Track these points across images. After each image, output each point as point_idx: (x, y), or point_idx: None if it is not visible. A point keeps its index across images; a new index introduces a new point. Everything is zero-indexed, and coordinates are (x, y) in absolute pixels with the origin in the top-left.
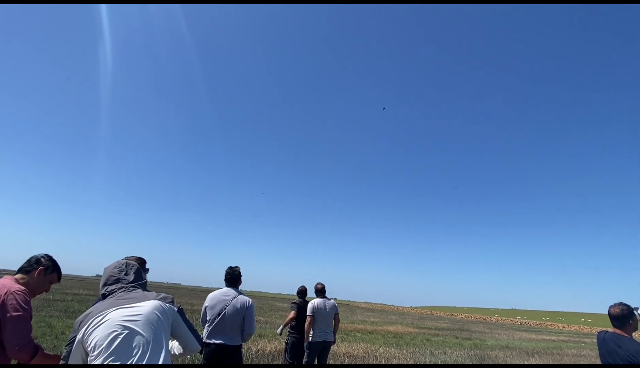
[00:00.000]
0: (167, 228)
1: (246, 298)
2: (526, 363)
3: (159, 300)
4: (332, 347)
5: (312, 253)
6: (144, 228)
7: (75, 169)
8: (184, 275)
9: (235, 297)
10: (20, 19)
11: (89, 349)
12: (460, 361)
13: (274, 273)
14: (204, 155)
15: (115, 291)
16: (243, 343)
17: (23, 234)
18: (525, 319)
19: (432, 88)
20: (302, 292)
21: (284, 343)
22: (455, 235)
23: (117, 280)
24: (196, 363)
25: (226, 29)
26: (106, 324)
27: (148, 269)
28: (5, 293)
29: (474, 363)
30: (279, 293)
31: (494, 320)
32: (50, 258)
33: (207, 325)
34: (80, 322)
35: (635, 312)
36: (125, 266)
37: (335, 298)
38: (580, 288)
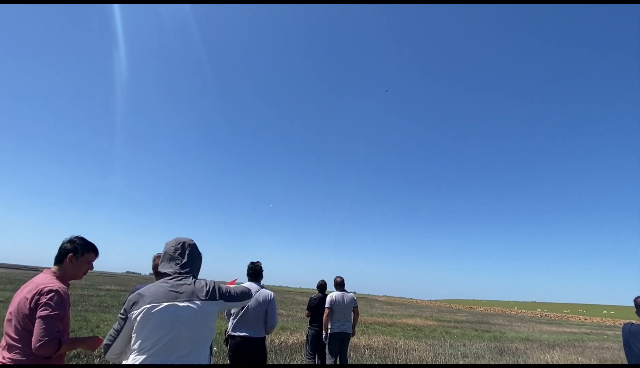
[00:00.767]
0: (190, 227)
1: (268, 292)
2: (547, 355)
3: (207, 299)
4: (352, 339)
5: (329, 246)
6: (170, 226)
7: (97, 174)
8: (209, 270)
9: (258, 291)
10: (31, 20)
11: (134, 335)
12: (480, 353)
13: (295, 268)
14: (232, 158)
15: (170, 277)
16: (267, 336)
17: (63, 233)
18: (545, 311)
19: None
20: (322, 286)
21: (305, 336)
22: (474, 228)
23: (171, 259)
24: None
25: (236, 28)
26: (156, 319)
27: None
28: (39, 292)
29: (494, 355)
30: (300, 288)
31: (513, 312)
32: (76, 241)
33: (231, 318)
34: (133, 304)
35: None
36: (181, 246)
37: (355, 292)
38: (602, 280)
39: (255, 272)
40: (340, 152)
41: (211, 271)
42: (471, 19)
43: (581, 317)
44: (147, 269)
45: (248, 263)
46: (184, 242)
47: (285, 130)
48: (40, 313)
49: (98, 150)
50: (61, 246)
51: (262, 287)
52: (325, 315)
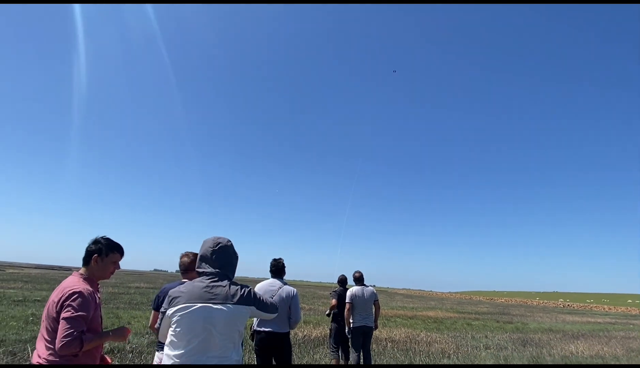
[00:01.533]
0: (213, 227)
1: (291, 288)
2: (571, 346)
3: (240, 303)
4: (374, 332)
5: (340, 239)
6: (195, 225)
7: (122, 178)
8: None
9: (280, 287)
10: None
11: (169, 331)
12: (503, 344)
13: (316, 263)
14: (264, 159)
15: (207, 277)
16: (290, 330)
17: (94, 233)
18: (568, 302)
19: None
20: (343, 280)
21: (328, 329)
22: (494, 219)
23: (208, 259)
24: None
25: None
26: (189, 319)
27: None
28: (65, 294)
29: (516, 346)
30: (320, 282)
31: (535, 303)
32: (100, 242)
33: None
34: (171, 300)
35: None
36: (218, 246)
37: (374, 285)
38: (626, 269)
39: (277, 269)
40: (356, 144)
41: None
42: (472, 18)
43: (605, 306)
44: (173, 267)
45: (270, 260)
46: (220, 243)
47: (307, 126)
48: (63, 314)
49: (129, 157)
50: (87, 247)
51: (284, 283)
52: (346, 310)
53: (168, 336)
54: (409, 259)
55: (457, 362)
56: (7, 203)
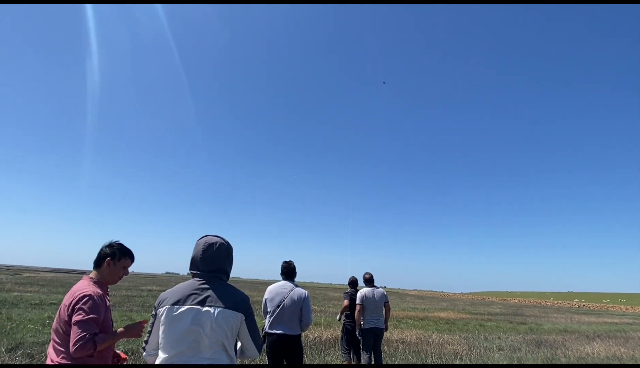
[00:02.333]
0: (225, 230)
1: (302, 290)
2: (586, 347)
3: (229, 308)
4: (385, 334)
5: (349, 240)
6: (207, 228)
7: (130, 180)
8: (243, 268)
9: (292, 290)
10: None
11: (159, 333)
12: (516, 346)
13: (326, 264)
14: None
15: (197, 279)
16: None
17: (106, 236)
18: (583, 302)
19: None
20: (353, 282)
21: (339, 331)
22: (506, 219)
23: (199, 259)
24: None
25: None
26: (176, 321)
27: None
28: (75, 298)
29: (530, 347)
30: (331, 284)
31: (549, 303)
32: (114, 246)
33: (268, 316)
34: (160, 302)
35: None
36: (209, 246)
37: (385, 287)
38: None
39: (289, 271)
40: (368, 146)
41: (247, 270)
42: (473, 20)
43: (622, 306)
44: (185, 269)
45: (281, 262)
46: (212, 242)
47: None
48: (75, 318)
49: (140, 160)
50: (100, 250)
51: (296, 285)
52: (357, 312)
53: (159, 337)
54: (421, 260)
55: (469, 363)
56: (24, 209)
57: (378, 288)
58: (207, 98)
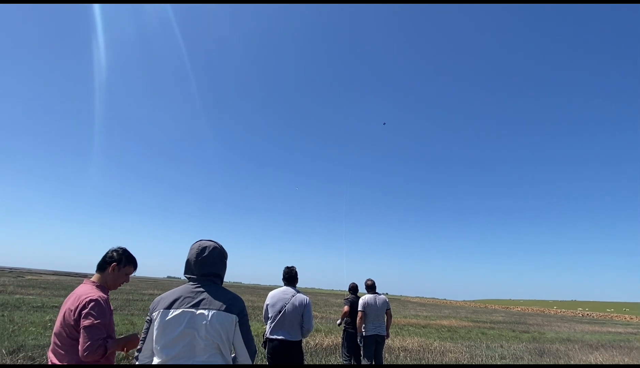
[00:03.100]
0: (226, 234)
1: (304, 296)
2: (590, 356)
3: (223, 310)
4: (387, 341)
5: (344, 247)
6: (208, 232)
7: (133, 185)
8: (245, 273)
9: (293, 296)
10: (13, 21)
11: (153, 337)
12: (519, 354)
13: (327, 270)
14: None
15: (192, 283)
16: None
17: (107, 240)
18: (587, 311)
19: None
20: (354, 288)
21: (340, 338)
22: (509, 226)
23: (193, 263)
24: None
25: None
26: (170, 324)
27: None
28: (82, 302)
29: (533, 356)
30: (332, 289)
31: (552, 312)
32: (120, 252)
33: (269, 322)
34: (154, 308)
35: None
36: (203, 250)
37: (387, 293)
38: None
39: (290, 276)
40: (365, 154)
41: (249, 275)
42: (473, 19)
43: (626, 316)
44: None
45: (282, 268)
46: (206, 246)
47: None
48: (83, 323)
49: (143, 164)
50: (107, 254)
51: (297, 291)
52: (358, 318)
53: (153, 342)
54: (423, 267)
55: (467, 363)
56: (27, 212)
57: (380, 295)
58: (214, 104)
